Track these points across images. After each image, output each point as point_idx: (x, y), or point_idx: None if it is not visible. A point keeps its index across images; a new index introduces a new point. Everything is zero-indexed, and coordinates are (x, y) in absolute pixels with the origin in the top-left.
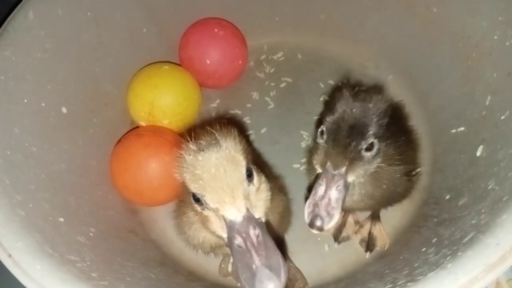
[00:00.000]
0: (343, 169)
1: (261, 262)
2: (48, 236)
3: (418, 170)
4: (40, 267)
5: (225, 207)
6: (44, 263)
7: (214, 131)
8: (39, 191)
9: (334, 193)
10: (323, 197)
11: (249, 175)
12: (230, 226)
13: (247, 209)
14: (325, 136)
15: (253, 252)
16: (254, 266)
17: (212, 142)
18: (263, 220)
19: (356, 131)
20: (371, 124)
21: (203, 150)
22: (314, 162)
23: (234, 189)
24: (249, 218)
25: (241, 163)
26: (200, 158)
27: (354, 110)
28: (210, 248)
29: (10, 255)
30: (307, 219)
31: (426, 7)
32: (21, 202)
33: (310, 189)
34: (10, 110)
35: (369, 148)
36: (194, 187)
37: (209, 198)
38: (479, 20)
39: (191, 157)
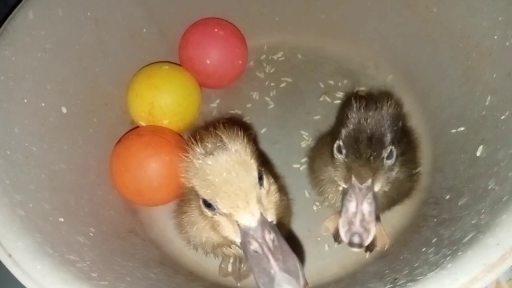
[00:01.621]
0: (370, 181)
1: (279, 266)
2: (48, 236)
3: (418, 169)
4: (40, 267)
5: (239, 212)
6: (44, 263)
7: (220, 133)
8: (39, 191)
9: (366, 207)
10: (356, 213)
11: (260, 178)
12: (245, 232)
13: (261, 214)
14: (344, 151)
15: (270, 257)
16: (272, 271)
17: (219, 144)
18: (275, 222)
19: (376, 141)
20: (388, 132)
21: (212, 154)
22: (336, 178)
23: (248, 194)
24: (264, 223)
25: (252, 166)
26: (209, 162)
27: (369, 120)
28: (212, 248)
29: (10, 255)
30: (345, 238)
31: (426, 7)
32: (21, 202)
33: (340, 208)
34: (10, 110)
35: (389, 156)
36: (205, 193)
37: (221, 204)
38: (479, 20)
39: (200, 161)
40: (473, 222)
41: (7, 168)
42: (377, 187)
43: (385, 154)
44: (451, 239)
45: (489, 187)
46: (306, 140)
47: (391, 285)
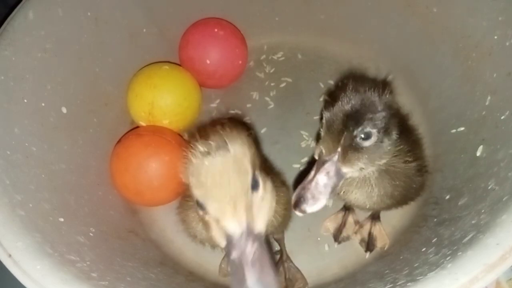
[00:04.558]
0: (335, 156)
1: (253, 280)
2: (48, 236)
3: (427, 166)
4: (40, 267)
5: (225, 218)
6: (44, 263)
7: (223, 133)
8: (39, 191)
9: (323, 178)
10: (311, 180)
11: (254, 184)
12: (229, 239)
13: (248, 223)
14: (323, 124)
15: (246, 270)
16: (246, 283)
17: (221, 145)
18: (263, 232)
19: (351, 118)
20: (367, 113)
21: (210, 154)
22: (315, 152)
23: (237, 200)
24: (249, 233)
25: (248, 171)
26: (206, 163)
27: (352, 99)
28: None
29: (10, 255)
30: (292, 200)
31: (426, 7)
32: (21, 202)
33: None
34: (10, 110)
35: (365, 138)
36: (197, 193)
37: (210, 207)
38: (479, 20)
39: (197, 160)
40: (473, 222)
41: (7, 168)
42: (346, 168)
43: (358, 132)
44: (451, 239)
45: (489, 187)
46: (306, 140)
47: (391, 285)
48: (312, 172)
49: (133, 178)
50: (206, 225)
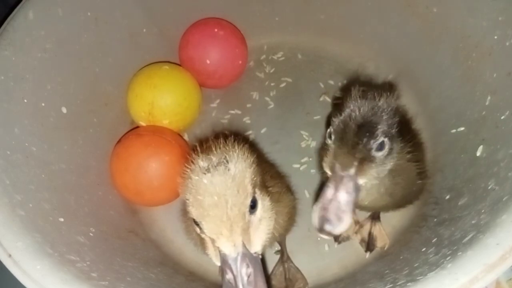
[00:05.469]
0: (352, 170)
1: None
2: (48, 236)
3: (427, 171)
4: (40, 267)
5: (221, 240)
6: (44, 263)
7: (225, 149)
8: (39, 191)
9: (344, 196)
10: (331, 200)
11: (253, 206)
12: (224, 260)
13: (244, 245)
14: (333, 137)
15: None
16: None
17: (222, 161)
18: (260, 252)
19: (365, 129)
20: (380, 122)
21: (209, 172)
22: (324, 165)
23: (234, 223)
24: (244, 255)
25: (247, 192)
26: (205, 181)
27: (362, 108)
28: None
29: (10, 255)
30: (316, 223)
31: (426, 7)
32: (21, 202)
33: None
34: (10, 110)
35: (379, 148)
36: (193, 212)
37: (206, 227)
38: (479, 20)
39: (196, 178)
40: (473, 222)
41: (7, 168)
42: (362, 180)
43: (374, 145)
44: (451, 239)
45: (489, 187)
46: (306, 140)
47: (391, 285)
48: (329, 190)
49: (133, 178)
50: (201, 242)
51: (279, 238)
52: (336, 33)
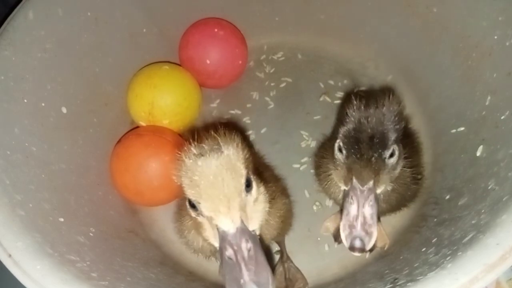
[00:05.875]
0: (371, 183)
1: (250, 277)
2: (48, 236)
3: (423, 173)
4: (40, 267)
5: (219, 217)
6: (44, 263)
7: (217, 136)
8: (39, 191)
9: (368, 210)
10: (357, 216)
11: (248, 185)
12: (223, 237)
13: (242, 221)
14: (344, 151)
15: (242, 266)
16: (242, 280)
17: (214, 147)
18: (258, 232)
19: (378, 141)
20: (390, 131)
21: (203, 155)
22: (336, 178)
23: (231, 199)
24: (243, 230)
25: (241, 172)
26: (199, 163)
27: (369, 118)
28: (210, 252)
29: (10, 255)
30: (346, 243)
31: (426, 7)
32: (21, 202)
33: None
34: (10, 110)
35: (391, 155)
36: (190, 193)
37: (204, 206)
38: (479, 20)
39: (190, 161)
40: (473, 222)
41: (7, 168)
42: (379, 189)
43: (387, 154)
44: (451, 239)
45: (489, 187)
46: (306, 140)
47: (391, 285)
48: (353, 207)
49: (133, 178)
50: (198, 227)
51: (272, 240)
52: (336, 33)
